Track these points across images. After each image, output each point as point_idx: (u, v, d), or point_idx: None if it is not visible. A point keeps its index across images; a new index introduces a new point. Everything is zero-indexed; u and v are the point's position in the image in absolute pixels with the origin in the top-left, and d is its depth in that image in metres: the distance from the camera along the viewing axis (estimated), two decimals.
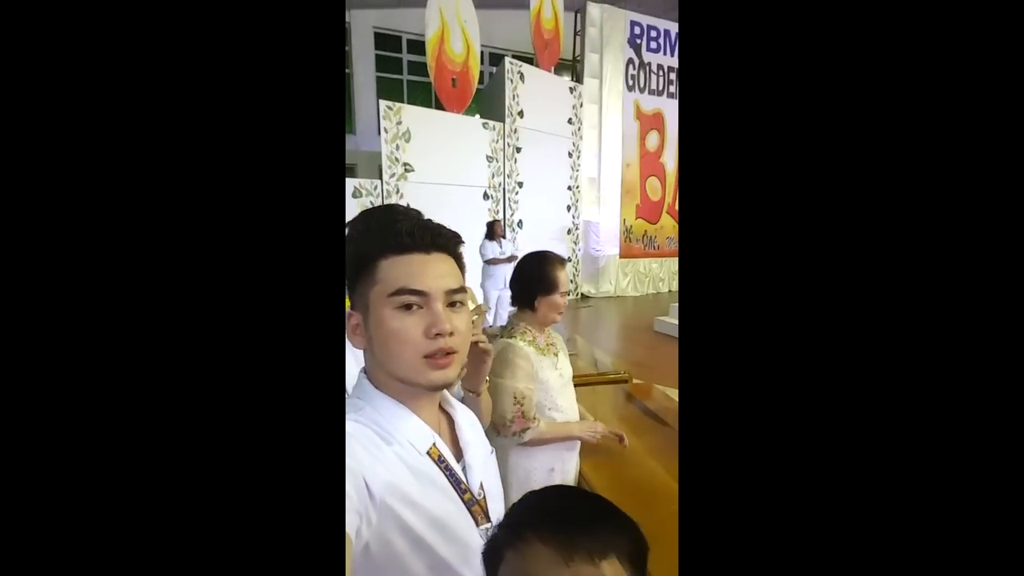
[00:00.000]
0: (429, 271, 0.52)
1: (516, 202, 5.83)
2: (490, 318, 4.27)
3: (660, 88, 7.45)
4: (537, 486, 1.15)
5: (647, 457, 1.36)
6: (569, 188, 6.47)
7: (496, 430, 1.11)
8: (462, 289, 0.54)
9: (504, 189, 5.67)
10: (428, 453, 0.52)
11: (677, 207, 7.91)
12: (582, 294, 6.88)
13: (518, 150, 5.72)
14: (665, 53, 7.46)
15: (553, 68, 6.14)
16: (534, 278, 1.17)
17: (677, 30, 7.61)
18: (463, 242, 0.57)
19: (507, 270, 4.12)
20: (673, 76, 7.54)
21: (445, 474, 0.52)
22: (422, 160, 4.93)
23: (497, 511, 0.57)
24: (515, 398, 1.11)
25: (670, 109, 7.50)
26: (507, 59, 5.52)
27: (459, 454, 0.56)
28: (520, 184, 5.81)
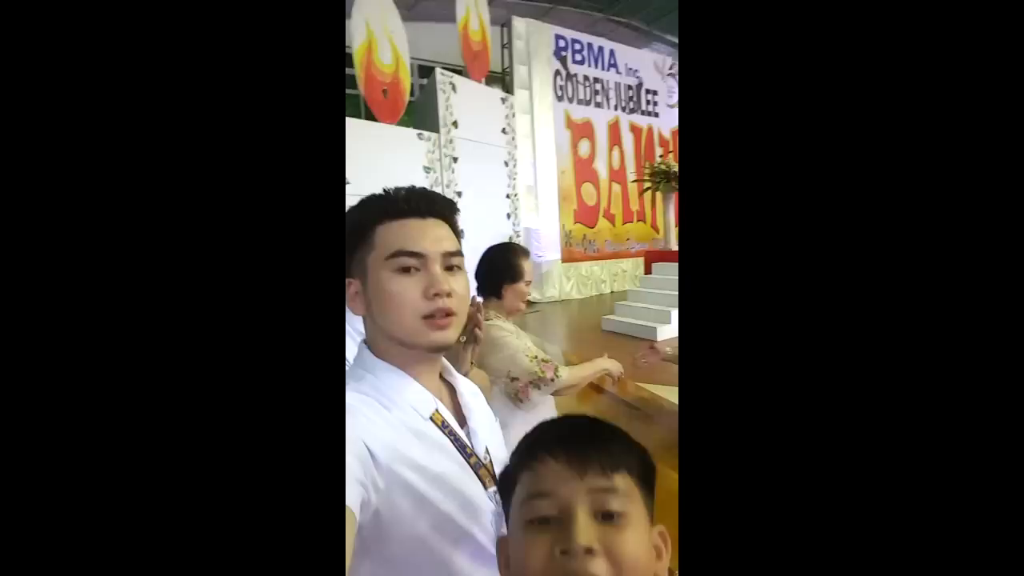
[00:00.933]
0: (427, 234, 0.52)
1: (456, 211, 5.82)
2: None
3: (588, 98, 7.74)
4: None
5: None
6: (507, 196, 6.55)
7: (519, 397, 1.14)
8: (459, 253, 0.54)
9: None
10: (431, 418, 0.52)
11: (612, 211, 8.18)
12: (528, 300, 6.96)
13: (455, 160, 5.72)
14: (591, 65, 7.77)
15: (484, 79, 6.22)
16: (501, 267, 1.23)
17: (600, 44, 8.00)
18: (458, 210, 0.58)
19: None
20: (599, 87, 7.87)
21: (450, 438, 0.53)
22: (358, 172, 4.80)
23: None
24: (528, 356, 1.16)
25: (599, 118, 7.82)
26: (438, 70, 5.52)
27: (462, 420, 0.56)
28: (459, 194, 5.82)
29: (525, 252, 1.28)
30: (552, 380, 1.17)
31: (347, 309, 0.54)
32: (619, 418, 1.57)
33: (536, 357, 1.19)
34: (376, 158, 4.91)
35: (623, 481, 0.37)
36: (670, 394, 1.64)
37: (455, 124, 5.68)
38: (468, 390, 0.61)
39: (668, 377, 1.76)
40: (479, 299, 1.04)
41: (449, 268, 0.53)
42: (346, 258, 0.54)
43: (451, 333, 0.52)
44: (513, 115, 6.51)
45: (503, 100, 6.44)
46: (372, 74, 4.96)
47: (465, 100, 5.75)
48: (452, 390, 0.59)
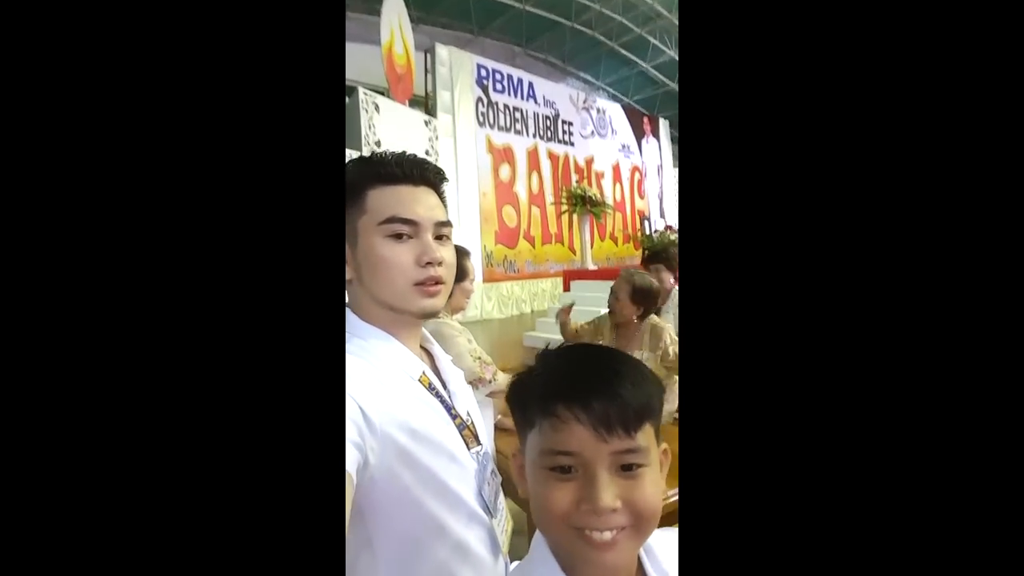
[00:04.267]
0: (420, 201, 0.53)
1: None
2: None
3: (508, 125, 8.12)
4: None
5: None
6: None
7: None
8: (448, 223, 0.55)
9: None
10: (419, 380, 0.53)
11: (532, 233, 8.42)
12: None
13: None
14: (511, 95, 8.19)
15: (407, 102, 6.29)
16: None
17: (520, 76, 8.38)
18: (447, 179, 0.58)
19: None
20: (519, 115, 8.28)
21: (437, 399, 0.54)
22: None
23: (483, 436, 0.58)
24: (472, 356, 1.23)
25: (519, 144, 8.20)
26: (360, 89, 5.51)
27: (443, 383, 0.57)
28: None
29: (467, 252, 1.34)
30: (490, 382, 1.25)
31: None
32: None
33: (479, 359, 1.27)
34: None
35: (644, 438, 0.37)
36: None
37: (378, 143, 5.67)
38: (444, 356, 0.62)
39: None
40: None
41: (439, 237, 0.54)
42: None
43: (439, 300, 0.53)
44: (436, 138, 6.63)
45: (426, 123, 6.55)
46: None
47: (388, 121, 5.76)
48: (431, 356, 0.61)
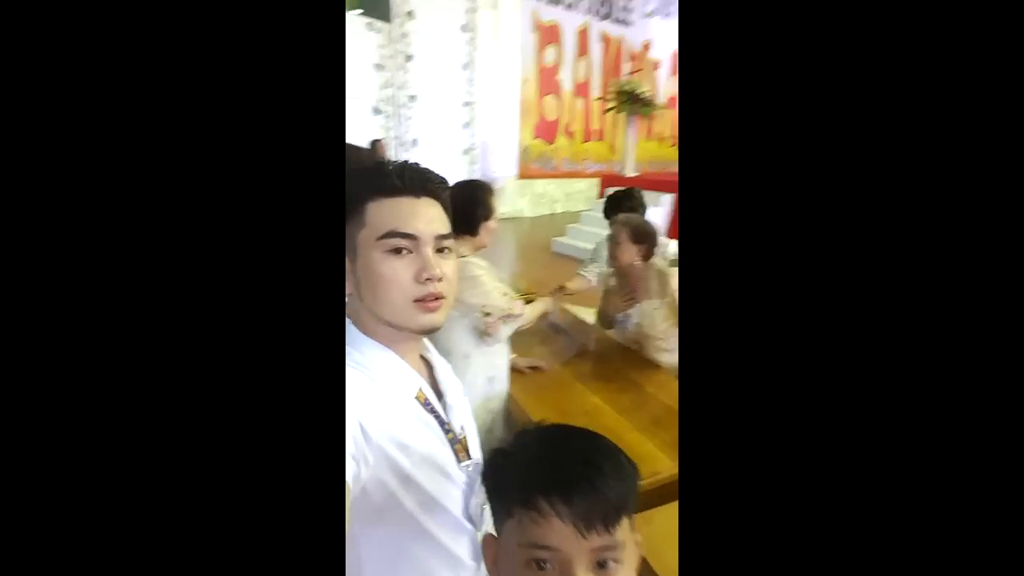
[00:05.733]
0: (420, 215, 0.51)
1: (409, 118, 5.45)
2: None
3: None
4: (480, 398, 1.23)
5: (573, 380, 1.44)
6: (465, 104, 6.17)
7: (488, 331, 1.24)
8: (450, 235, 0.54)
9: (395, 103, 5.25)
10: (416, 397, 0.54)
11: (572, 128, 7.90)
12: None
13: (409, 58, 5.24)
14: None
15: None
16: (477, 205, 1.27)
17: None
18: (449, 188, 0.56)
19: None
20: None
21: (432, 416, 0.54)
22: None
23: (475, 448, 0.60)
24: (500, 293, 1.26)
25: (568, 21, 7.28)
26: None
27: (440, 396, 0.58)
28: (412, 98, 5.41)
29: (492, 189, 1.34)
30: (519, 315, 1.28)
31: None
32: (561, 349, 1.69)
33: (507, 294, 1.28)
34: None
35: (623, 532, 0.37)
36: (588, 315, 1.93)
37: (410, 15, 5.12)
38: (443, 367, 0.62)
39: (589, 301, 2.02)
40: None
41: (440, 250, 0.53)
42: None
43: (440, 316, 0.52)
44: (475, 10, 5.94)
45: None
46: None
47: None
48: (430, 366, 0.60)
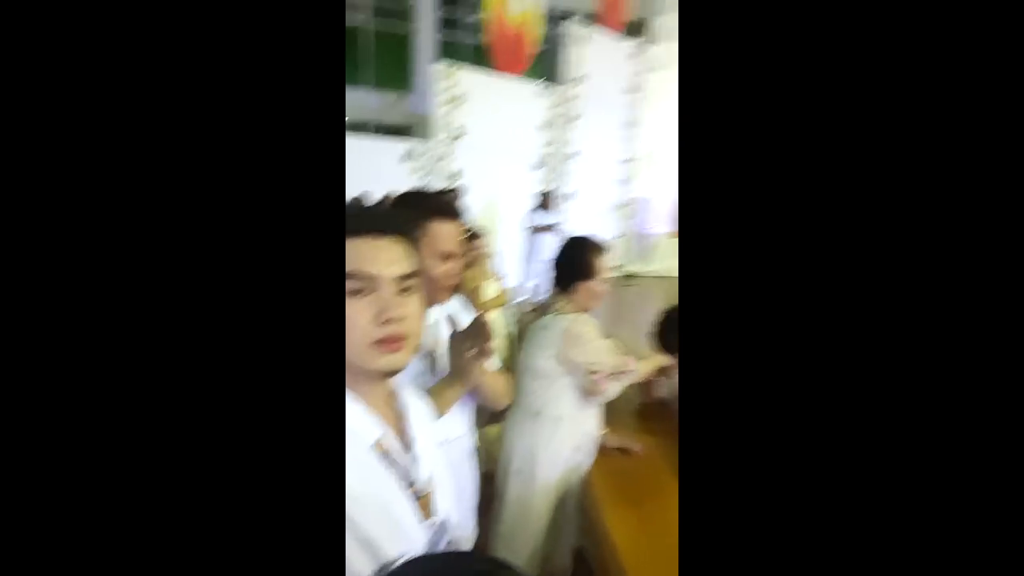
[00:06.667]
0: (379, 256, 0.51)
1: (568, 173, 5.67)
2: (531, 289, 4.24)
3: None
4: (561, 469, 1.04)
5: (670, 474, 1.20)
6: (625, 161, 6.21)
7: (594, 390, 1.16)
8: (414, 273, 0.53)
9: (557, 159, 5.52)
10: (374, 447, 0.51)
11: None
12: (627, 273, 6.71)
13: (574, 118, 5.51)
14: None
15: (623, 29, 5.81)
16: (574, 263, 1.18)
17: None
18: (418, 226, 0.57)
19: (550, 240, 4.06)
20: None
21: (392, 469, 0.52)
22: (475, 124, 4.84)
23: (446, 503, 0.57)
24: (612, 351, 1.18)
25: None
26: (568, 20, 5.26)
27: (407, 447, 0.55)
28: (573, 155, 5.63)
29: (602, 248, 1.22)
30: (631, 371, 1.19)
31: None
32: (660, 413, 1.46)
33: (615, 350, 1.20)
34: (495, 110, 4.89)
35: None
36: None
37: (580, 79, 5.42)
38: (417, 412, 0.60)
39: None
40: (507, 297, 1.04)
41: (404, 290, 0.52)
42: None
43: (402, 357, 0.51)
44: (648, 71, 6.05)
45: (635, 54, 5.99)
46: (501, 22, 4.86)
47: (594, 53, 5.43)
48: (400, 415, 0.58)
